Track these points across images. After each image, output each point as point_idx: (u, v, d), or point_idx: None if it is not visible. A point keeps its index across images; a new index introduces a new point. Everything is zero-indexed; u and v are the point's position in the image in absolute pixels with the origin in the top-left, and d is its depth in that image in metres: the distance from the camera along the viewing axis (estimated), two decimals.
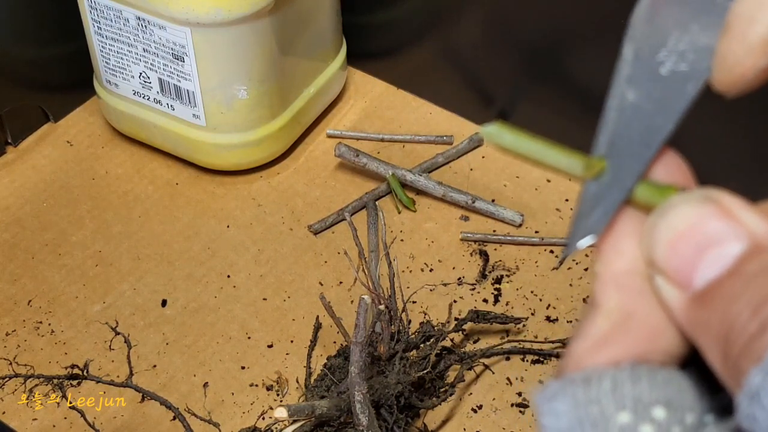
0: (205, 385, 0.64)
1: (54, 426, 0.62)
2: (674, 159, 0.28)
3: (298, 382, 0.64)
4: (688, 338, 0.26)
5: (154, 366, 0.65)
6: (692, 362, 0.26)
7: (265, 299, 0.69)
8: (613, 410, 0.25)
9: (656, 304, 0.27)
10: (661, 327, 0.26)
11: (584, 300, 0.68)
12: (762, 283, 0.24)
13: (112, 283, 0.70)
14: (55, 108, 0.81)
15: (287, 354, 0.66)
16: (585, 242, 0.27)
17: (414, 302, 0.68)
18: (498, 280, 0.70)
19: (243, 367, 0.65)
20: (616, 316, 0.27)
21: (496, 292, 0.69)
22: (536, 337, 0.66)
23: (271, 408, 0.63)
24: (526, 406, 0.63)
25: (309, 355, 0.65)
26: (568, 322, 0.67)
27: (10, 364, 0.63)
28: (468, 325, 0.66)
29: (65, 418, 0.62)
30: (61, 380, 0.62)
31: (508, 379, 0.64)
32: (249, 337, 0.67)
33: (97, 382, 0.62)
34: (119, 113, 0.77)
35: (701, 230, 0.25)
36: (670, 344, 0.26)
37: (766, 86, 0.29)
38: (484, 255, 0.71)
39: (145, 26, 0.69)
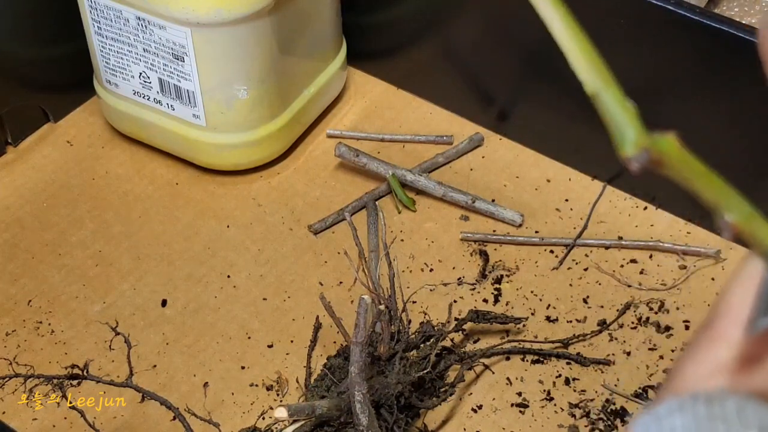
0: (205, 385, 0.64)
1: (54, 426, 0.62)
2: None
3: (298, 382, 0.64)
4: None
5: (154, 366, 0.65)
6: None
7: (265, 299, 0.69)
8: (740, 428, 0.26)
9: None
10: None
11: (584, 300, 0.68)
12: None
13: (112, 283, 0.70)
14: (55, 108, 0.81)
15: (287, 354, 0.66)
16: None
17: (414, 302, 0.68)
18: (498, 280, 0.70)
19: (243, 367, 0.65)
20: (740, 351, 0.28)
21: (496, 292, 0.69)
22: (536, 337, 0.66)
23: (271, 408, 0.63)
24: (526, 406, 0.63)
25: (309, 355, 0.65)
26: (568, 322, 0.67)
27: (10, 364, 0.63)
28: (468, 325, 0.66)
29: (65, 418, 0.62)
30: (61, 380, 0.62)
31: (508, 379, 0.64)
32: (249, 337, 0.67)
33: (97, 382, 0.62)
34: (119, 113, 0.77)
35: None
36: None
37: (766, 85, 0.29)
38: (484, 255, 0.71)
39: (145, 26, 0.69)
